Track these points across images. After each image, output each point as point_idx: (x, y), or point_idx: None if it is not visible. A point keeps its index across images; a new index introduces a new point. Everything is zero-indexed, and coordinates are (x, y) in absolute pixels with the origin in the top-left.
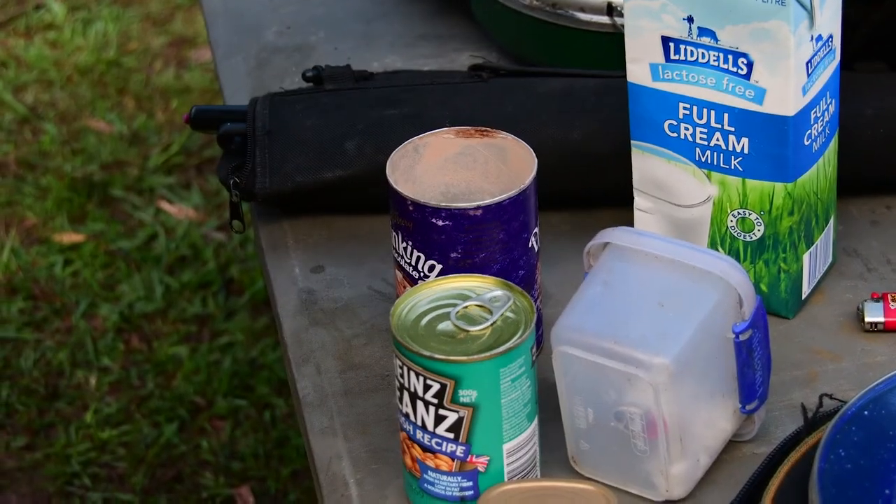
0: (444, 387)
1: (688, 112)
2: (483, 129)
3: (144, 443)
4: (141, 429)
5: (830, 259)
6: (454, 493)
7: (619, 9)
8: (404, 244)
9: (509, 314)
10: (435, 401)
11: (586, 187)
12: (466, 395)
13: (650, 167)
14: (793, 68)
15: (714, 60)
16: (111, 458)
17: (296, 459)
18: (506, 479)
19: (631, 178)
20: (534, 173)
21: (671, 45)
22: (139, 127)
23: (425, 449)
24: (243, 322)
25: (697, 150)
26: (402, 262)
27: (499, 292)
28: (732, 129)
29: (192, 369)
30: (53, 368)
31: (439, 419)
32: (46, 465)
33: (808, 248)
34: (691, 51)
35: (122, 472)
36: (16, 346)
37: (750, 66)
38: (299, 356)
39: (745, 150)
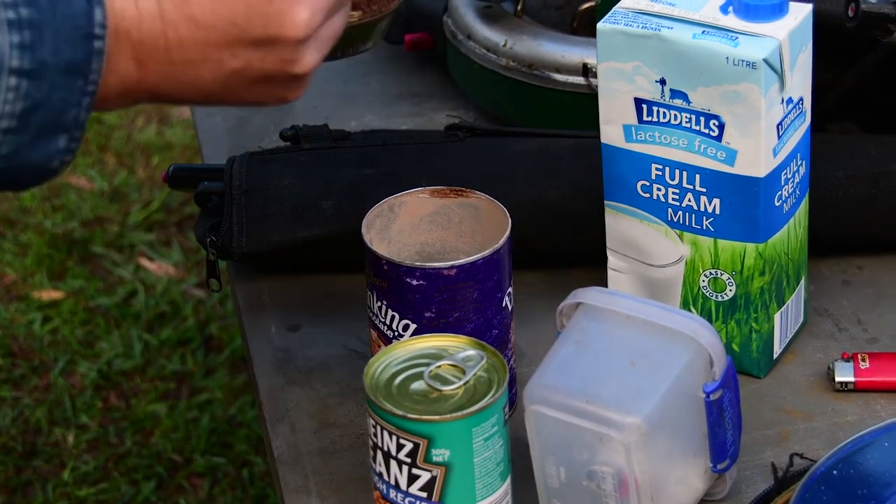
0: (417, 446)
1: (660, 173)
2: (458, 188)
3: (122, 501)
4: (119, 486)
5: (802, 319)
6: None
7: (594, 70)
8: (379, 303)
9: (482, 373)
10: (408, 460)
11: (561, 246)
12: (439, 454)
13: (623, 227)
14: (763, 130)
15: (686, 122)
16: None
17: None
18: None
19: (605, 237)
20: (508, 233)
21: (644, 106)
22: (120, 183)
23: None
24: (222, 379)
25: (670, 210)
26: (377, 322)
27: (472, 352)
28: (704, 189)
29: (170, 427)
30: (31, 426)
31: (412, 478)
32: None
33: (780, 307)
34: (664, 112)
35: None
36: None
37: (721, 127)
38: (275, 414)
39: (717, 211)
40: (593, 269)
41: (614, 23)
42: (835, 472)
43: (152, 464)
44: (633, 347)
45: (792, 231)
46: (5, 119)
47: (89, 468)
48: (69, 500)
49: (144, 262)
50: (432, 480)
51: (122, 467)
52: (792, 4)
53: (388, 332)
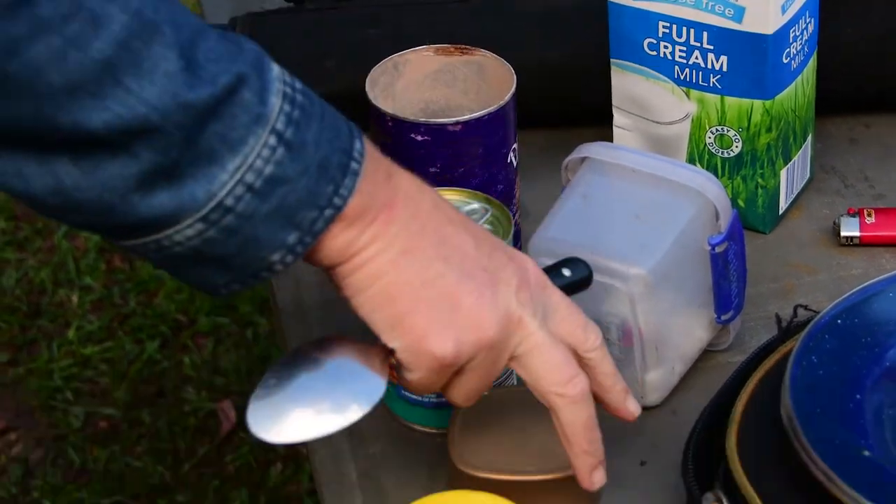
0: None
1: (667, 30)
2: (463, 46)
3: (127, 359)
4: (123, 345)
5: (808, 175)
6: (431, 399)
7: None
8: None
9: (487, 226)
10: None
11: (565, 106)
12: None
13: (629, 85)
14: None
15: None
16: (94, 373)
17: None
18: None
19: (610, 96)
20: (513, 89)
21: None
22: None
23: None
24: None
25: (676, 68)
26: None
27: (476, 205)
28: (711, 47)
29: (173, 288)
30: (35, 287)
31: None
32: (29, 380)
33: (786, 164)
34: None
35: (105, 387)
36: None
37: None
38: None
39: (724, 68)
40: (599, 128)
41: None
42: (839, 321)
43: (156, 324)
44: (638, 201)
45: (799, 88)
46: (252, 174)
47: (94, 327)
48: (74, 358)
49: None
50: None
51: (126, 327)
52: None
53: None
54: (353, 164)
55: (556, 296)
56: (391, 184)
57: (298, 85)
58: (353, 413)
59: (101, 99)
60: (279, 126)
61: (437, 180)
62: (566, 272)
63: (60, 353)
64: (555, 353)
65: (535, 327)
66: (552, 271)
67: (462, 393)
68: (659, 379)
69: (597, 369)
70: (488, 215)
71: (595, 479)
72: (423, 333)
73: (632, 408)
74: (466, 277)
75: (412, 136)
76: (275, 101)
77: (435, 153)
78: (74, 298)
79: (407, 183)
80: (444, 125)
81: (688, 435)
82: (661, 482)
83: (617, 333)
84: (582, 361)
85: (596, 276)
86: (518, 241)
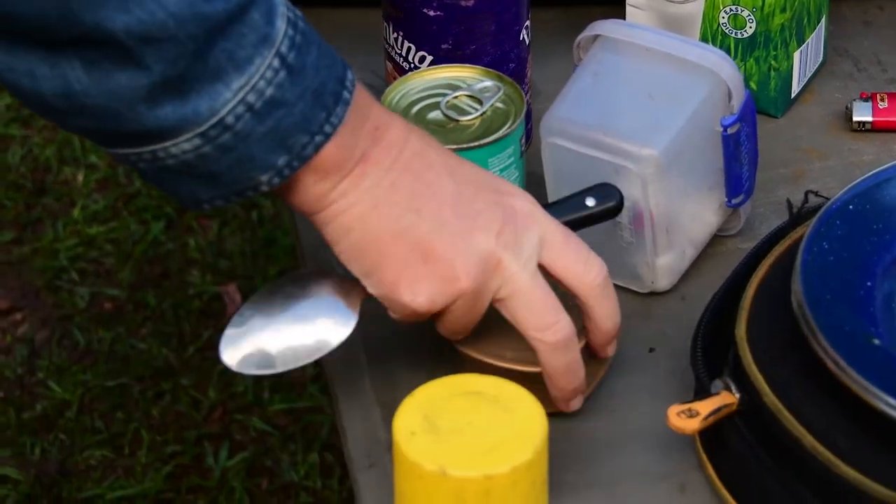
0: None
1: None
2: None
3: (132, 239)
4: (128, 225)
5: (821, 58)
6: None
7: None
8: (395, 34)
9: (499, 104)
10: None
11: None
12: None
13: None
14: None
15: None
16: (98, 253)
17: (282, 259)
18: None
19: None
20: None
21: None
22: None
23: None
24: None
25: None
26: (393, 53)
27: (489, 83)
28: None
29: None
30: (41, 164)
31: None
32: (34, 260)
33: (799, 46)
34: None
35: (110, 267)
36: (3, 142)
37: None
38: None
39: None
40: (611, 6)
41: None
42: (851, 206)
43: (161, 204)
44: (651, 80)
45: None
46: (253, 95)
47: (99, 207)
48: (79, 237)
49: None
50: None
51: (131, 207)
52: None
53: (404, 64)
54: (345, 94)
55: (550, 228)
56: (375, 134)
57: (298, 12)
58: (321, 348)
59: (126, 2)
60: (283, 49)
61: (449, 57)
62: (590, 201)
63: (65, 232)
64: (535, 298)
65: (517, 269)
66: (574, 199)
67: (447, 330)
68: (669, 263)
69: (594, 309)
70: (501, 93)
71: (573, 405)
72: (394, 286)
73: (609, 351)
74: (439, 228)
75: (424, 10)
76: (280, 24)
77: (447, 29)
78: (80, 177)
79: (393, 132)
80: (456, 0)
81: (697, 321)
82: (670, 369)
83: (628, 216)
84: (579, 298)
85: (607, 157)
86: (529, 121)
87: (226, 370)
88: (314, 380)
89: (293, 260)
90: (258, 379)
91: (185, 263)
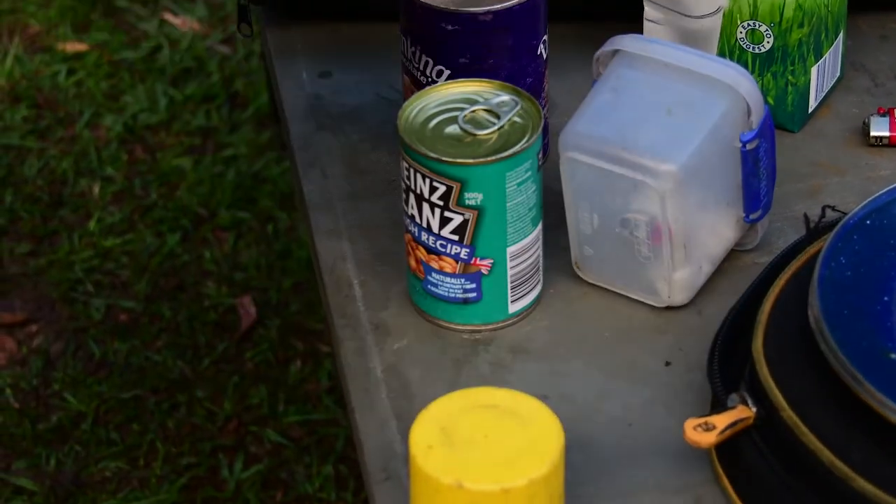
0: (450, 189)
1: None
2: None
3: (147, 252)
4: (144, 238)
5: (838, 74)
6: (457, 295)
7: None
8: (413, 49)
9: (517, 119)
10: (441, 203)
11: None
12: (472, 197)
13: None
14: None
15: None
16: (114, 265)
17: (298, 271)
18: (508, 282)
19: None
20: None
21: None
22: None
23: (430, 251)
24: (247, 135)
25: None
26: (411, 67)
27: (506, 97)
28: None
29: (195, 180)
30: (57, 177)
31: (445, 221)
32: (50, 272)
33: (817, 61)
34: None
35: (125, 279)
36: (20, 154)
37: None
38: (306, 160)
39: None
40: (629, 22)
41: None
42: (868, 221)
43: (177, 216)
44: (670, 95)
45: None
46: None
47: (115, 219)
48: (95, 250)
49: (169, 17)
50: (464, 223)
51: (147, 219)
52: None
53: (422, 78)
54: None
55: None
56: None
57: None
58: None
59: None
60: None
61: (467, 71)
62: None
63: (81, 244)
64: None
65: None
66: None
67: None
68: (687, 278)
69: None
70: (518, 108)
71: None
72: None
73: None
74: None
75: (442, 25)
76: None
77: (465, 43)
78: (96, 189)
79: None
80: (474, 14)
81: (714, 336)
82: (687, 383)
83: (646, 231)
84: None
85: (626, 172)
86: (547, 135)
87: (240, 382)
88: (329, 391)
89: (309, 272)
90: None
91: (201, 275)
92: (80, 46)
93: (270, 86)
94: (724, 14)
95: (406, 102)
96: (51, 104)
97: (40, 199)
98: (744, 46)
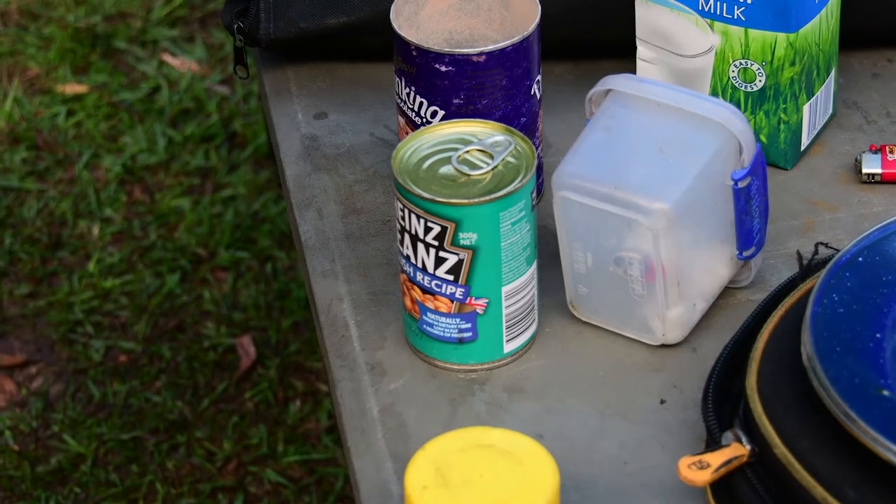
0: (444, 229)
1: None
2: None
3: (147, 292)
4: (143, 278)
5: (830, 111)
6: (453, 335)
7: None
8: (407, 90)
9: (510, 159)
10: (435, 243)
11: (589, 37)
12: (467, 237)
13: (654, 16)
14: None
15: None
16: (114, 306)
17: (297, 311)
18: (504, 321)
19: (634, 28)
20: (537, 20)
21: None
22: None
23: (425, 291)
24: (246, 175)
25: None
26: (405, 108)
27: (500, 137)
28: None
29: (194, 221)
30: (56, 218)
31: (439, 261)
32: (49, 313)
33: (809, 99)
34: None
35: (125, 320)
36: (18, 196)
37: None
38: (301, 201)
39: (749, 0)
40: (622, 60)
41: None
42: (860, 258)
43: (177, 257)
44: (662, 134)
45: (824, 21)
46: None
47: (114, 260)
48: (94, 291)
49: (167, 59)
50: (459, 263)
51: (146, 260)
52: None
53: (416, 119)
54: None
55: None
56: None
57: None
58: None
59: None
60: None
61: (461, 112)
62: None
63: (81, 285)
64: None
65: None
66: None
67: None
68: (680, 316)
69: None
70: (512, 148)
71: None
72: None
73: None
74: None
75: (436, 66)
76: None
77: (459, 84)
78: (95, 230)
79: None
80: (468, 56)
81: (708, 373)
82: (682, 420)
83: (639, 269)
84: None
85: (619, 211)
86: (541, 175)
87: (240, 422)
88: (328, 431)
89: (308, 312)
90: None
91: (200, 316)
92: (79, 88)
93: (268, 126)
94: (716, 53)
95: (400, 143)
96: (50, 146)
97: (39, 240)
98: (736, 85)
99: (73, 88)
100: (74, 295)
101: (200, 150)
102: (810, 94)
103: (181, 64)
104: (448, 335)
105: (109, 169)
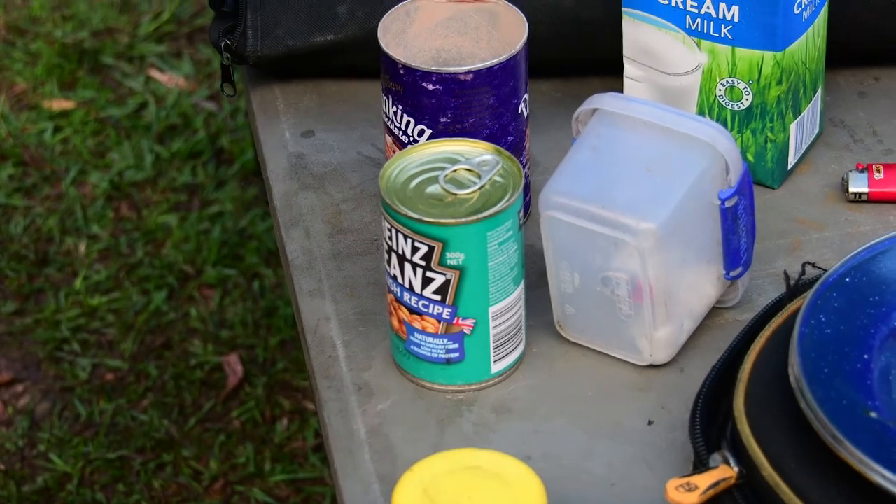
0: (431, 249)
1: None
2: None
3: (133, 310)
4: (130, 296)
5: (817, 129)
6: (440, 355)
7: None
8: (395, 108)
9: (498, 178)
10: (423, 263)
11: (577, 55)
12: (454, 257)
13: (641, 35)
14: None
15: None
16: (100, 324)
17: (284, 329)
18: (491, 342)
19: (621, 46)
20: (525, 39)
21: None
22: None
23: (412, 311)
24: (233, 192)
25: (688, 17)
26: (392, 127)
27: (488, 156)
28: None
29: (181, 238)
30: (43, 235)
31: (427, 281)
32: (36, 331)
33: (796, 118)
34: None
35: (112, 338)
36: (5, 213)
37: None
38: (289, 219)
39: (735, 19)
40: (609, 79)
41: None
42: (847, 279)
43: (164, 274)
44: (649, 153)
45: (811, 40)
46: None
47: (101, 277)
48: (81, 308)
49: (155, 74)
50: (446, 283)
51: (133, 277)
52: None
53: (404, 138)
54: None
55: None
56: None
57: None
58: None
59: None
60: None
61: (448, 130)
62: None
63: (68, 303)
64: None
65: None
66: None
67: None
68: (668, 336)
69: None
70: (499, 167)
71: None
72: None
73: None
74: None
75: (423, 84)
76: None
77: (446, 102)
78: (82, 247)
79: None
80: (455, 74)
81: (696, 394)
82: (670, 441)
83: (627, 289)
84: None
85: (606, 231)
86: (528, 193)
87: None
88: (315, 450)
89: (295, 330)
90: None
91: (187, 333)
92: (66, 104)
93: (255, 144)
94: (703, 72)
95: (387, 162)
96: (37, 162)
97: (26, 257)
98: (723, 104)
99: (60, 104)
100: (61, 312)
101: (188, 166)
102: (797, 113)
103: (168, 80)
104: (435, 356)
105: (96, 185)
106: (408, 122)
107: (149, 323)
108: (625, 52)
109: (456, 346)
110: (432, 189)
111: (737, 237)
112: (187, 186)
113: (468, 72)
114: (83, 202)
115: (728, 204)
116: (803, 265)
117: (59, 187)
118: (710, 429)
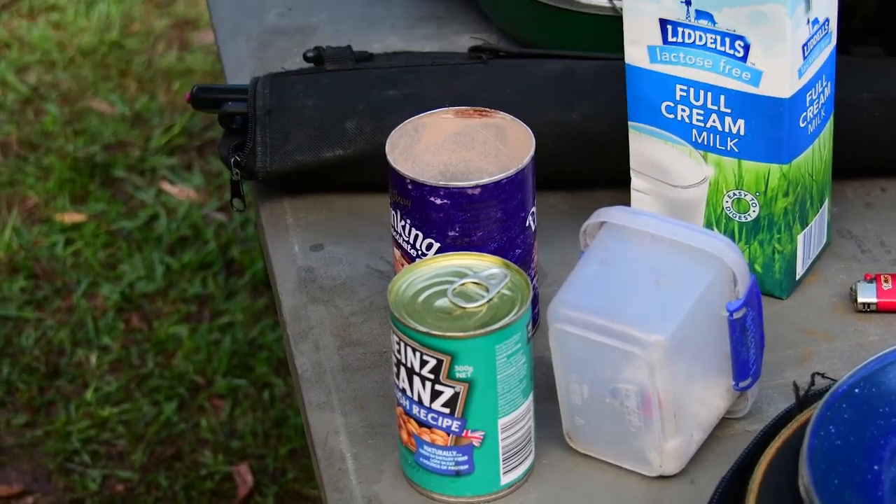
0: (440, 362)
1: (685, 94)
2: (482, 109)
3: (144, 421)
4: (141, 407)
5: (825, 240)
6: (449, 468)
7: None
8: (403, 222)
9: (506, 291)
10: (431, 376)
11: (584, 169)
12: (462, 370)
13: (647, 148)
14: (789, 51)
15: (711, 43)
16: (111, 435)
17: (294, 438)
18: (500, 454)
19: (628, 159)
20: (532, 153)
21: (669, 27)
22: (141, 108)
23: (421, 424)
24: (243, 302)
25: (694, 131)
26: (401, 241)
27: (495, 270)
28: (729, 110)
29: (191, 349)
30: (54, 347)
31: (435, 394)
32: (47, 443)
33: (803, 229)
34: (689, 33)
35: (122, 449)
36: (17, 325)
37: (747, 48)
38: (298, 332)
39: (742, 132)
40: (617, 191)
41: None
42: (857, 390)
43: (174, 385)
44: (656, 266)
45: (816, 152)
46: None
47: (112, 388)
48: (92, 420)
49: (166, 186)
50: (455, 396)
51: (144, 388)
52: None
53: (412, 251)
54: None
55: None
56: None
57: None
58: None
59: None
60: None
61: (456, 244)
62: None
63: (78, 414)
64: None
65: None
66: None
67: None
68: (678, 448)
69: None
70: (507, 280)
71: None
72: None
73: None
74: None
75: (431, 199)
76: None
77: (454, 217)
78: (93, 359)
79: None
80: (463, 188)
81: None
82: None
83: (636, 401)
84: None
85: (615, 343)
86: (536, 305)
87: None
88: None
89: (304, 439)
90: None
91: (197, 444)
92: (77, 217)
93: (264, 257)
94: (709, 184)
95: (396, 276)
96: (48, 274)
97: (37, 369)
98: (730, 215)
99: (71, 217)
100: (72, 424)
101: (198, 277)
102: (804, 224)
103: (179, 192)
104: (445, 468)
105: (107, 297)
106: (416, 236)
107: (159, 434)
108: (632, 164)
109: (465, 458)
110: (441, 303)
111: (745, 348)
112: (198, 297)
113: (476, 186)
114: (94, 314)
115: (736, 316)
116: (812, 375)
117: (70, 299)
118: None
